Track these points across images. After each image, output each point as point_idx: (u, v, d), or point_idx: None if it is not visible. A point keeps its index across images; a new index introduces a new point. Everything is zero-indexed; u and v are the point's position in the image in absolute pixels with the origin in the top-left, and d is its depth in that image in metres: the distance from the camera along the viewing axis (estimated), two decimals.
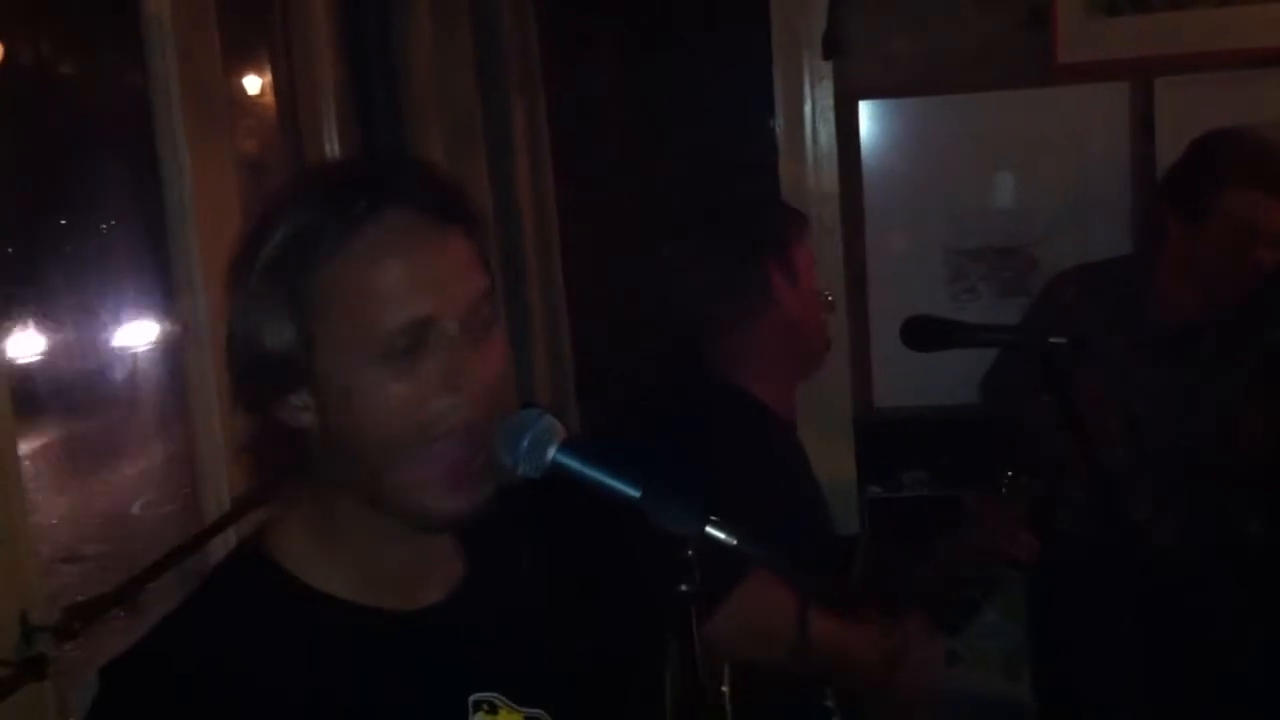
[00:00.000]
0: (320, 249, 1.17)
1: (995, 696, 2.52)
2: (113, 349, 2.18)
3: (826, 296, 2.43)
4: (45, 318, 1.94)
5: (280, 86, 2.51)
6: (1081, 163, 3.33)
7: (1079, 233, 3.30)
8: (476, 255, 1.27)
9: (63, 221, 1.85)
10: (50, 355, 1.97)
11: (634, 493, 1.23)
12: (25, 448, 1.73)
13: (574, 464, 1.24)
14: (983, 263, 3.37)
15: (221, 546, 2.10)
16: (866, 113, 3.38)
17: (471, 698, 1.31)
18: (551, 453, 1.24)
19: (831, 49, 3.29)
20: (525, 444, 1.23)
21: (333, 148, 2.60)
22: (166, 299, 2.09)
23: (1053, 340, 2.08)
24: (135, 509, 2.42)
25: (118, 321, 2.14)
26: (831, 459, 3.18)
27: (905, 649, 2.19)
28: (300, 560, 1.25)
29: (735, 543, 1.22)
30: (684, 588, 1.23)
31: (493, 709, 1.32)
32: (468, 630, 1.32)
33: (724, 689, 1.85)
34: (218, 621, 1.21)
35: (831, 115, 3.38)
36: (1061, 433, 2.01)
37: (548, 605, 1.47)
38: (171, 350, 2.11)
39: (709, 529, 1.22)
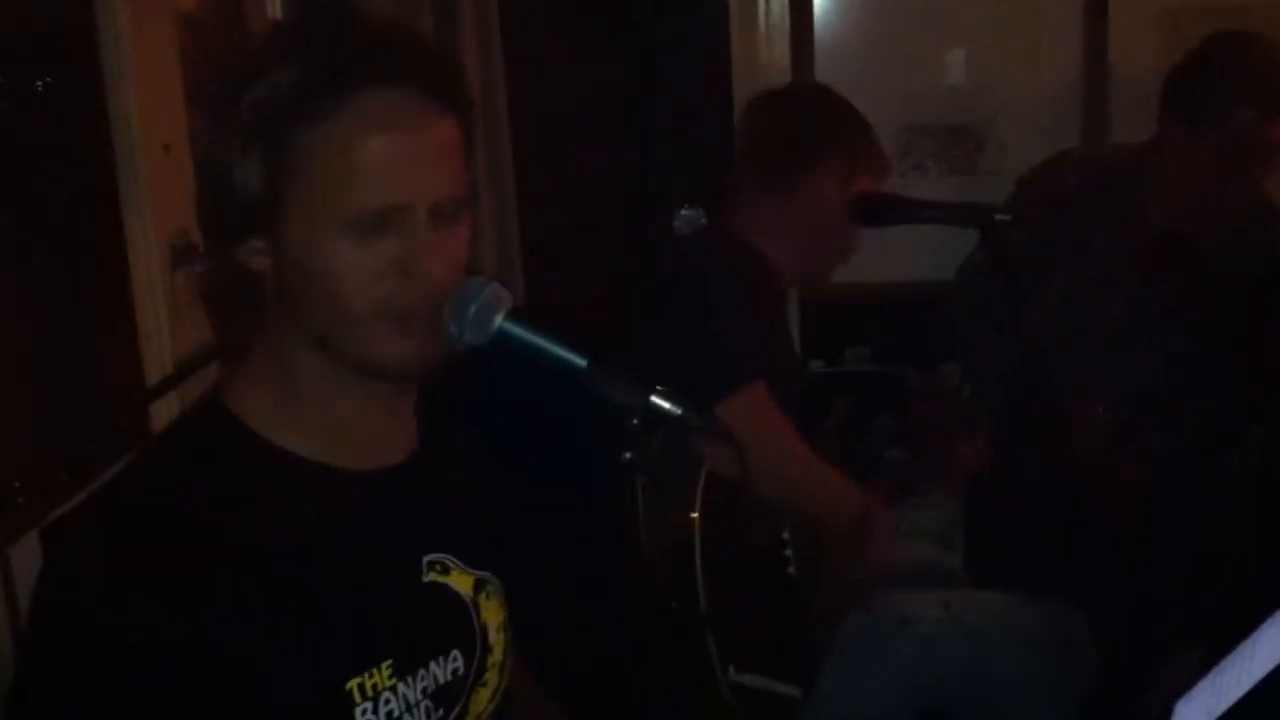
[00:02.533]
0: (309, 110, 1.16)
1: (928, 565, 2.59)
2: None
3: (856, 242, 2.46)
4: None
5: None
6: (1034, 43, 3.31)
7: (1030, 114, 3.31)
8: (460, 145, 1.26)
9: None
10: None
11: (580, 362, 1.24)
12: None
13: (520, 332, 1.25)
14: (933, 140, 3.37)
15: (165, 413, 2.09)
16: None
17: (426, 558, 1.33)
18: (498, 321, 1.24)
19: None
20: (472, 311, 1.24)
21: (274, 7, 2.53)
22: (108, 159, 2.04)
23: (998, 217, 2.09)
24: None
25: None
26: None
27: (871, 512, 2.27)
28: (259, 416, 1.25)
29: (680, 413, 1.24)
30: (628, 456, 1.25)
31: (444, 569, 1.35)
32: (422, 494, 1.34)
33: (693, 515, 1.90)
34: (175, 477, 1.22)
35: None
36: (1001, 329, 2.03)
37: (489, 477, 1.51)
38: None
39: (654, 399, 1.23)
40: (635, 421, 1.23)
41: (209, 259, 1.26)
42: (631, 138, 3.77)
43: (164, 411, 2.08)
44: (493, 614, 1.40)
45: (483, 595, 1.39)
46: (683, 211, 3.56)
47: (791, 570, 2.18)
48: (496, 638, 1.40)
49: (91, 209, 2.02)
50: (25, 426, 1.79)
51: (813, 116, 2.39)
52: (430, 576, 1.33)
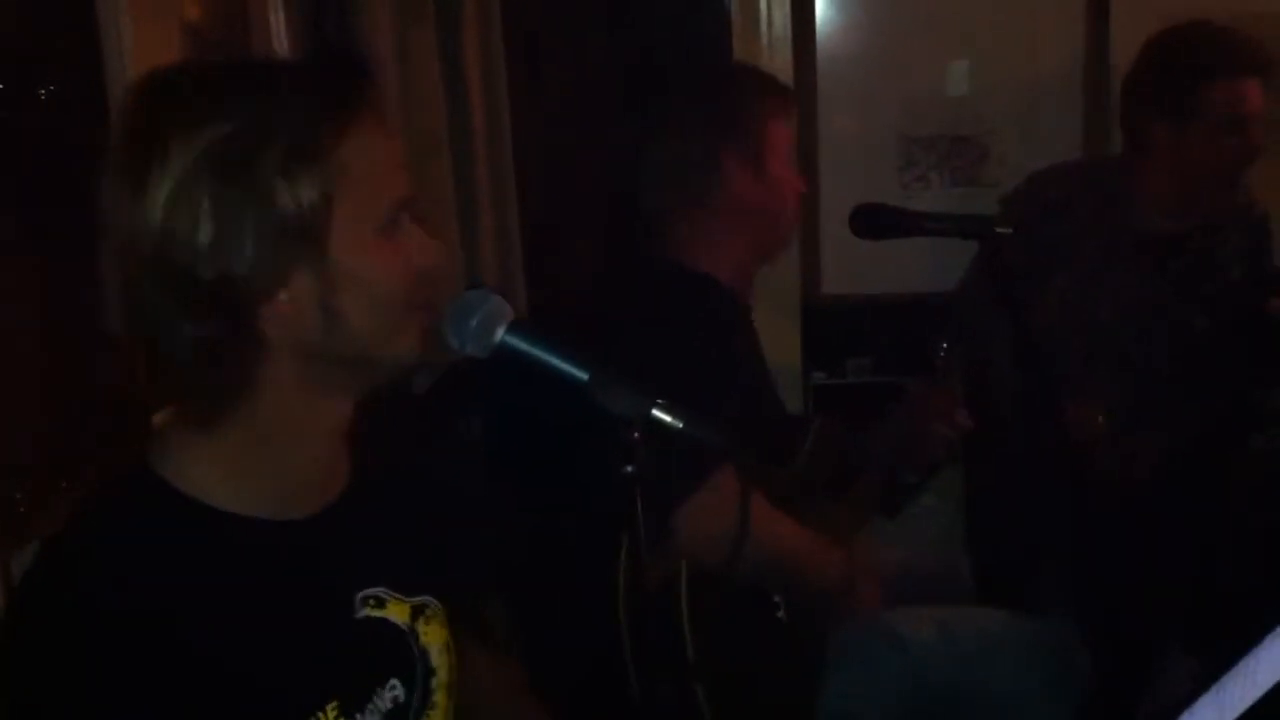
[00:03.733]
0: (317, 142, 1.15)
1: (930, 574, 2.58)
2: None
3: (799, 178, 2.30)
4: None
5: None
6: (1037, 53, 3.31)
7: (1032, 124, 3.30)
8: None
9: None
10: None
11: (582, 375, 1.24)
12: None
13: (522, 345, 1.25)
14: (934, 151, 3.37)
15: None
16: None
17: (359, 594, 1.32)
18: (500, 333, 1.24)
19: None
20: (474, 324, 1.24)
21: (278, 16, 2.54)
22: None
23: (1000, 230, 2.09)
24: None
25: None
26: (778, 344, 3.19)
27: (855, 565, 2.23)
28: (188, 477, 1.21)
29: (681, 426, 1.24)
30: (629, 469, 1.25)
31: (380, 602, 1.34)
32: (354, 530, 1.33)
33: (680, 593, 1.89)
34: (104, 550, 1.17)
35: None
36: (999, 328, 2.03)
37: (434, 502, 1.51)
38: None
39: (655, 412, 1.23)
40: (636, 434, 1.23)
41: (176, 341, 1.15)
42: (634, 148, 3.76)
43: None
44: (434, 636, 1.40)
45: (421, 620, 1.39)
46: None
47: (781, 615, 2.17)
48: (440, 659, 1.40)
49: (92, 213, 2.02)
50: (26, 435, 1.79)
51: (694, 110, 2.22)
52: (365, 612, 1.33)
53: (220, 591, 1.19)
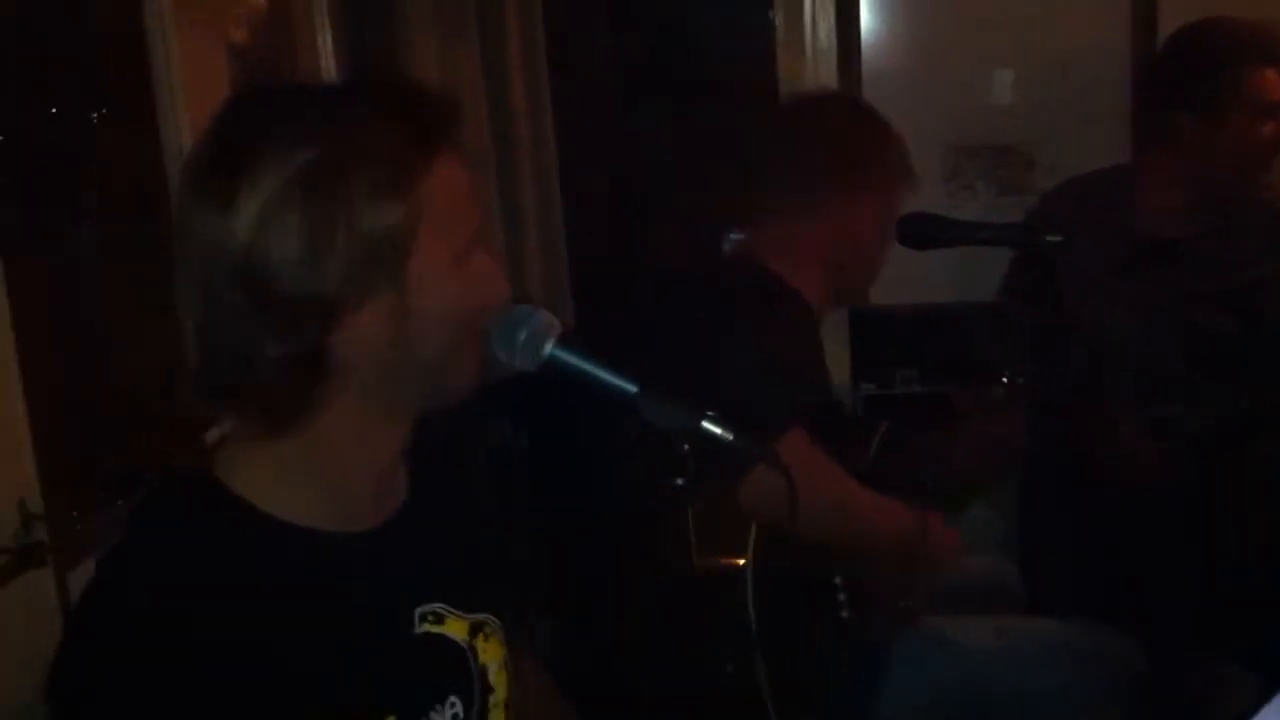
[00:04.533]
0: (405, 170, 1.17)
1: (986, 581, 2.56)
2: None
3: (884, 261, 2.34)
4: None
5: None
6: (1082, 60, 3.28)
7: (1078, 132, 3.27)
8: None
9: (53, 110, 1.82)
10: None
11: (630, 389, 1.24)
12: None
13: (571, 359, 1.25)
14: (981, 160, 3.35)
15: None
16: (867, 6, 3.32)
17: (418, 610, 1.32)
18: (548, 348, 1.24)
19: None
20: (522, 338, 1.24)
21: (324, 37, 2.56)
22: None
23: (1049, 239, 2.08)
24: None
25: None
26: (827, 357, 3.18)
27: (925, 533, 2.20)
28: (252, 484, 1.22)
29: (731, 438, 1.23)
30: (680, 482, 1.24)
31: (439, 619, 1.34)
32: (412, 546, 1.33)
33: (740, 561, 1.88)
34: (165, 555, 1.19)
35: (831, 8, 3.33)
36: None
37: (491, 516, 1.52)
38: None
39: (705, 424, 1.23)
40: (686, 447, 1.23)
41: (252, 354, 1.16)
42: (680, 164, 3.77)
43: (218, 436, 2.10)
44: (491, 654, 1.39)
45: (480, 638, 1.39)
46: (732, 235, 3.55)
47: (845, 614, 2.15)
48: (498, 677, 1.40)
49: (145, 236, 2.05)
50: (81, 456, 1.81)
51: (843, 133, 2.28)
52: (424, 627, 1.32)
53: (280, 600, 1.20)
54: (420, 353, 1.21)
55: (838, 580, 2.15)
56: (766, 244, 2.26)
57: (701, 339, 2.07)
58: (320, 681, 1.20)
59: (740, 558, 1.89)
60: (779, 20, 3.38)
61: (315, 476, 1.24)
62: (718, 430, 1.23)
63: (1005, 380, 2.29)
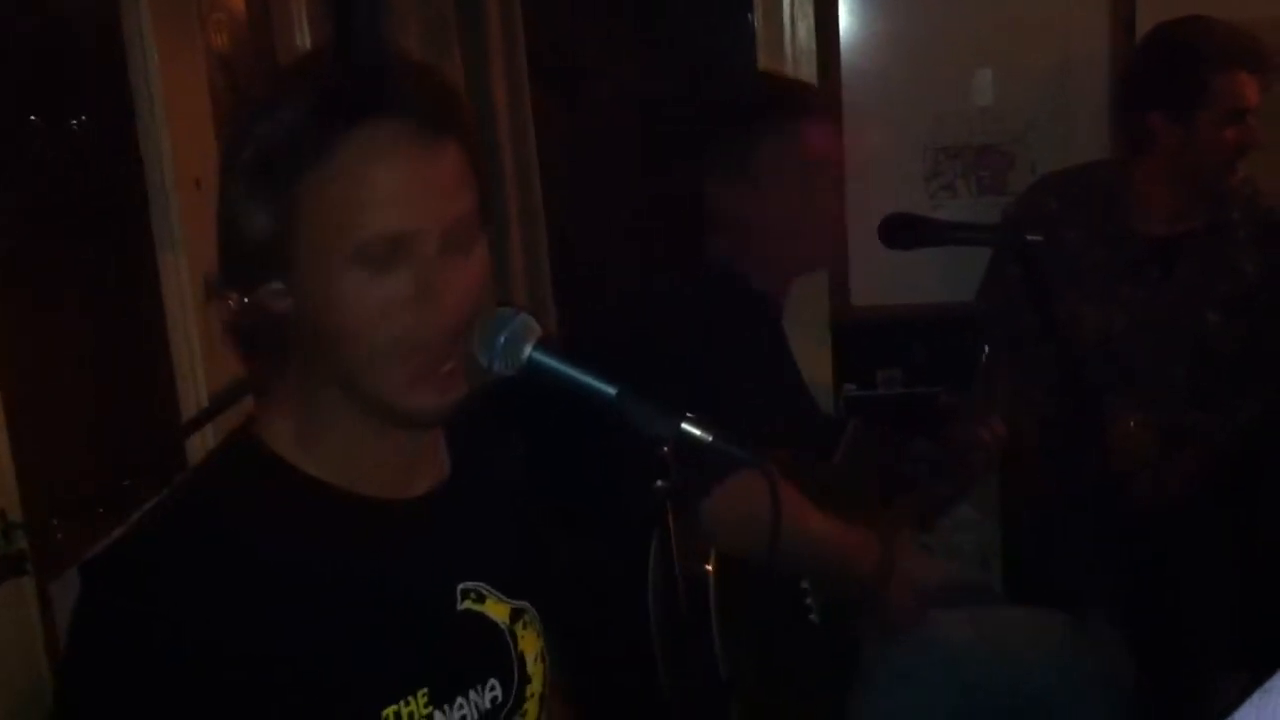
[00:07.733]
0: (311, 147, 1.15)
1: (963, 583, 2.56)
2: None
3: (836, 200, 2.32)
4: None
5: None
6: (1061, 61, 3.30)
7: (1058, 131, 3.29)
8: (466, 170, 1.24)
9: (31, 118, 1.82)
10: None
11: (610, 392, 1.24)
12: None
13: (550, 362, 1.25)
14: (961, 160, 3.36)
15: (199, 446, 2.10)
16: (846, 7, 3.33)
17: (460, 586, 1.33)
18: (528, 351, 1.24)
19: None
20: (501, 341, 1.23)
21: (305, 43, 2.56)
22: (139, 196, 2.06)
23: (1030, 238, 2.08)
24: None
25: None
26: (809, 358, 3.18)
27: (891, 559, 2.20)
28: (291, 447, 1.25)
29: (711, 440, 1.23)
30: (660, 484, 1.24)
31: (480, 598, 1.35)
32: (454, 523, 1.34)
33: (707, 567, 1.88)
34: (210, 507, 1.22)
35: (810, 10, 3.34)
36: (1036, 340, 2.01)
37: (526, 507, 1.50)
38: None
39: (685, 426, 1.23)
40: (665, 449, 1.23)
41: (233, 299, 1.23)
42: (659, 164, 3.77)
43: (199, 446, 2.10)
44: (530, 644, 1.39)
45: (520, 625, 1.38)
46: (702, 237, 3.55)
47: (813, 618, 2.15)
48: (535, 667, 1.39)
49: (125, 244, 2.04)
50: (62, 464, 1.80)
51: (738, 106, 2.25)
52: (465, 605, 1.33)
53: (319, 556, 1.22)
54: (338, 348, 1.20)
55: (805, 585, 2.15)
56: (719, 241, 2.26)
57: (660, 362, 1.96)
58: (354, 643, 1.21)
59: (706, 563, 1.90)
60: (758, 21, 3.39)
61: (330, 440, 1.26)
62: (698, 432, 1.23)
63: (986, 354, 2.30)
